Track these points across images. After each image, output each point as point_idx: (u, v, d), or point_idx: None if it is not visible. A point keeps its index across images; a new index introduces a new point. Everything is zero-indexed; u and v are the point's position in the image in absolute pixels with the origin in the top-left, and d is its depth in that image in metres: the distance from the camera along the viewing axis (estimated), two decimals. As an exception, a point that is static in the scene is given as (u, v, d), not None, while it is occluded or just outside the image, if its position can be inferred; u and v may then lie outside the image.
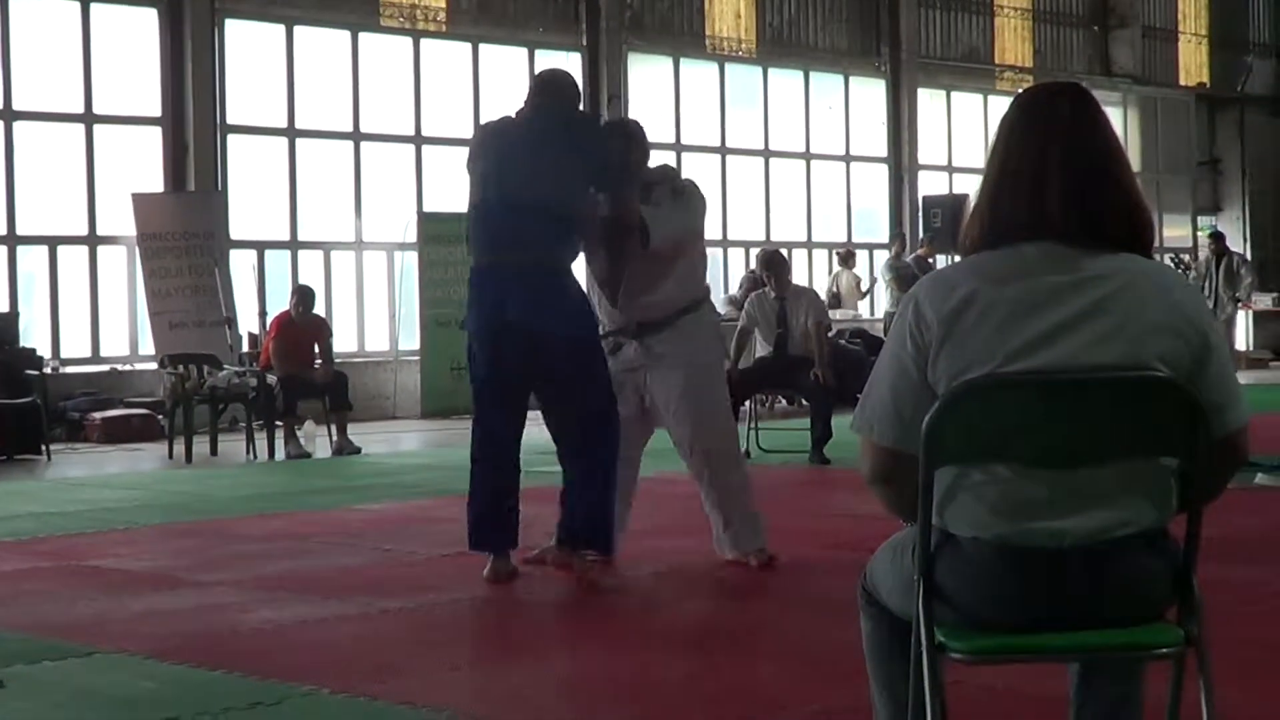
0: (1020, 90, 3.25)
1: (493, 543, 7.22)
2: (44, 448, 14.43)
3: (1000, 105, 24.27)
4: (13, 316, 16.12)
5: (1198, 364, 3.03)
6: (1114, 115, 3.58)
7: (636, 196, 7.28)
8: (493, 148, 7.24)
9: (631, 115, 21.79)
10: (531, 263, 7.01)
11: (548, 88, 7.33)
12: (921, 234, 23.31)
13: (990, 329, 3.01)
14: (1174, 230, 28.44)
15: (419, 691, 5.17)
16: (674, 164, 22.53)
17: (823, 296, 16.50)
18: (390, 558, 8.15)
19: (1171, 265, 20.76)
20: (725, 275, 22.44)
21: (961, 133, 26.46)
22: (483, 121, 7.71)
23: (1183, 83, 29.91)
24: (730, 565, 7.56)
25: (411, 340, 18.95)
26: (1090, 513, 3.00)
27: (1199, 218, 29.44)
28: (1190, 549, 3.09)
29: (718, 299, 19.75)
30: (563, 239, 7.13)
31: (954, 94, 26.44)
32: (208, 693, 5.23)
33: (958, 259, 3.23)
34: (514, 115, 7.34)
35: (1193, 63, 30.26)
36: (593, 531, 7.14)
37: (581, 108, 7.61)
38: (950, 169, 26.26)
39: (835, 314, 19.87)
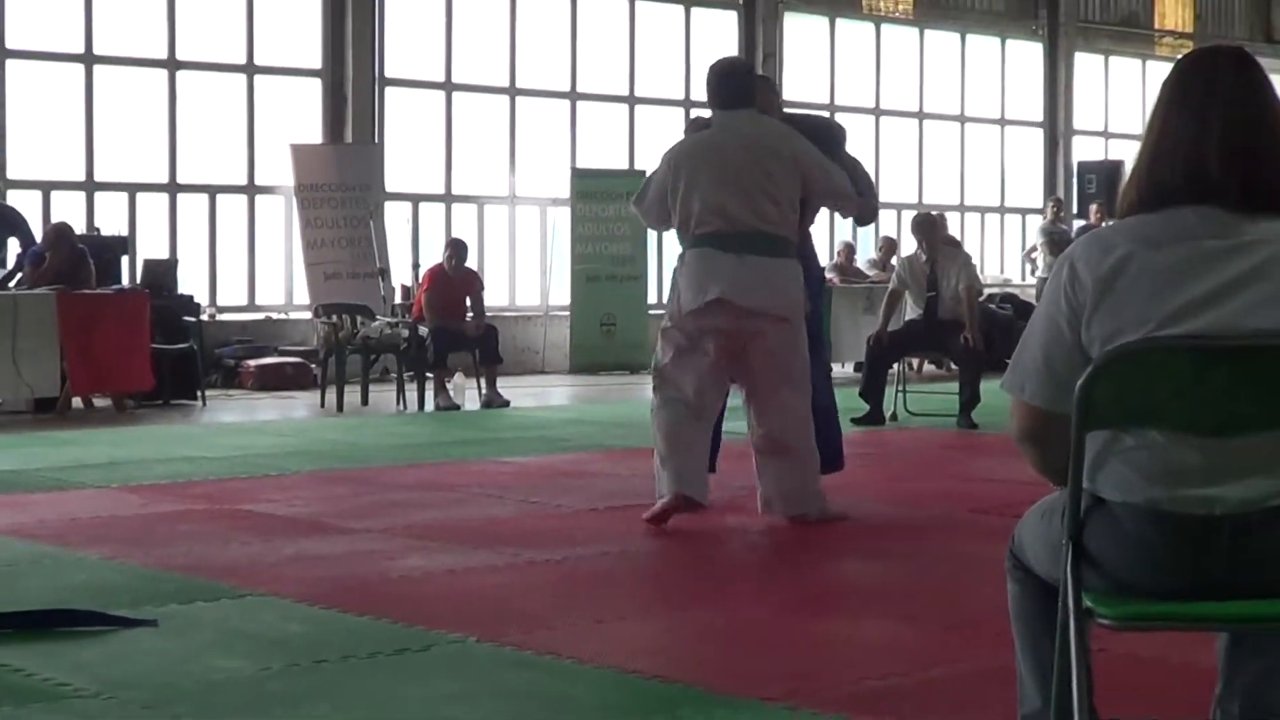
0: (1181, 55, 3.21)
1: None
2: (200, 393, 14.67)
3: (1159, 71, 23.87)
4: (172, 264, 16.38)
5: (1360, 332, 2.97)
6: (1276, 83, 3.54)
7: None
8: None
9: (786, 75, 21.78)
10: None
11: None
12: (1076, 200, 23.00)
13: (1146, 292, 2.98)
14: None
15: (565, 643, 5.21)
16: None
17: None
18: (537, 510, 8.21)
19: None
20: (875, 237, 22.32)
21: (1119, 98, 26.05)
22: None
23: (1349, 50, 29.24)
24: (883, 527, 7.61)
25: (562, 295, 19.06)
26: (1245, 481, 2.96)
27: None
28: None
29: (862, 261, 19.85)
30: None
31: (1112, 59, 26.02)
32: (356, 637, 5.30)
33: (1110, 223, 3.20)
34: None
35: (1360, 30, 29.56)
36: None
37: None
38: (1106, 134, 25.87)
39: (985, 278, 19.73)
